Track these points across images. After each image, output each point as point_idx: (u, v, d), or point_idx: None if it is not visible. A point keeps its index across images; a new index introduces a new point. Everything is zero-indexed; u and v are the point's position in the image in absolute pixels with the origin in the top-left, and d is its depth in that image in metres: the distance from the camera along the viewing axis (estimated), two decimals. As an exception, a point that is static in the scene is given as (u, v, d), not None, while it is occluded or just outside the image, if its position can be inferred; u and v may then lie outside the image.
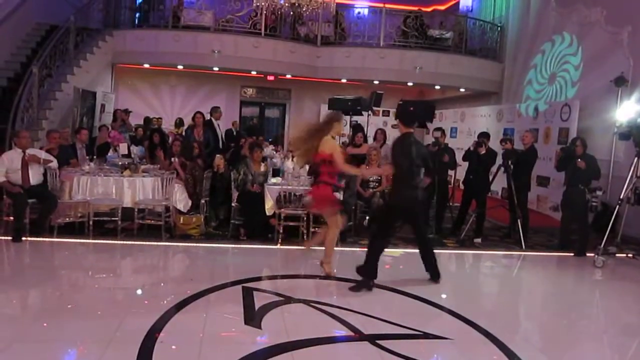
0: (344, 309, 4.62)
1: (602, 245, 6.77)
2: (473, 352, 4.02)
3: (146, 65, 13.42)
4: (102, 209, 6.95)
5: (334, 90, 13.33)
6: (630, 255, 7.32)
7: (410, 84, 14.09)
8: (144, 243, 6.70)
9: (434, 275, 5.63)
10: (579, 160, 7.12)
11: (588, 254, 7.03)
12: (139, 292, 5.12)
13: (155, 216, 7.15)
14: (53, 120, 10.41)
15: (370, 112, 10.66)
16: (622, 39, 9.43)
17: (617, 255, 7.10)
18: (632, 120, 7.19)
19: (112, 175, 7.21)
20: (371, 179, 7.83)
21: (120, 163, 7.83)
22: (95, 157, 8.34)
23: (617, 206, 6.94)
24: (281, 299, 4.84)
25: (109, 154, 8.75)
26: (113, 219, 6.88)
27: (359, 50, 13.33)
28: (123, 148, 8.82)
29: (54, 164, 6.87)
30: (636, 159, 6.80)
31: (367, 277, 5.30)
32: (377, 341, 3.98)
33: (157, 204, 7.11)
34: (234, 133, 10.82)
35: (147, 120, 11.88)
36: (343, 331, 4.19)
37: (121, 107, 12.19)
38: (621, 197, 6.90)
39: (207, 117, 9.66)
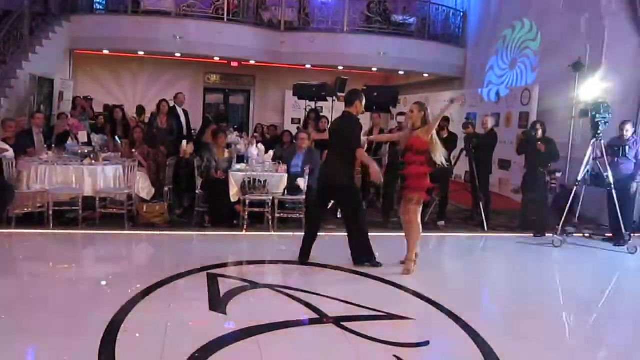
0: (309, 292, 4.64)
1: (560, 226, 6.98)
2: (436, 331, 4.10)
3: (106, 52, 13.08)
4: (62, 199, 6.75)
5: (298, 76, 13.26)
6: (587, 234, 7.56)
7: (374, 69, 14.15)
8: (107, 232, 6.57)
9: (371, 258, 5.51)
10: (539, 143, 7.29)
11: (547, 234, 7.23)
12: (102, 282, 5.02)
13: (117, 205, 7.00)
14: (9, 108, 10.06)
15: (335, 97, 10.66)
16: (579, 26, 9.63)
17: (575, 234, 7.34)
18: (595, 99, 7.39)
19: (72, 163, 7.01)
20: None
21: (79, 151, 7.63)
22: (53, 145, 8.10)
23: (575, 187, 7.14)
24: (246, 284, 4.84)
25: (68, 143, 8.50)
26: (74, 208, 6.70)
27: (323, 35, 13.27)
28: (82, 136, 8.57)
29: (10, 153, 6.67)
30: (593, 140, 6.99)
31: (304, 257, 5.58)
32: (342, 323, 4.02)
33: (119, 192, 6.97)
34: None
35: (107, 108, 11.61)
36: (308, 315, 4.22)
37: (81, 95, 11.88)
38: (578, 178, 7.10)
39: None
